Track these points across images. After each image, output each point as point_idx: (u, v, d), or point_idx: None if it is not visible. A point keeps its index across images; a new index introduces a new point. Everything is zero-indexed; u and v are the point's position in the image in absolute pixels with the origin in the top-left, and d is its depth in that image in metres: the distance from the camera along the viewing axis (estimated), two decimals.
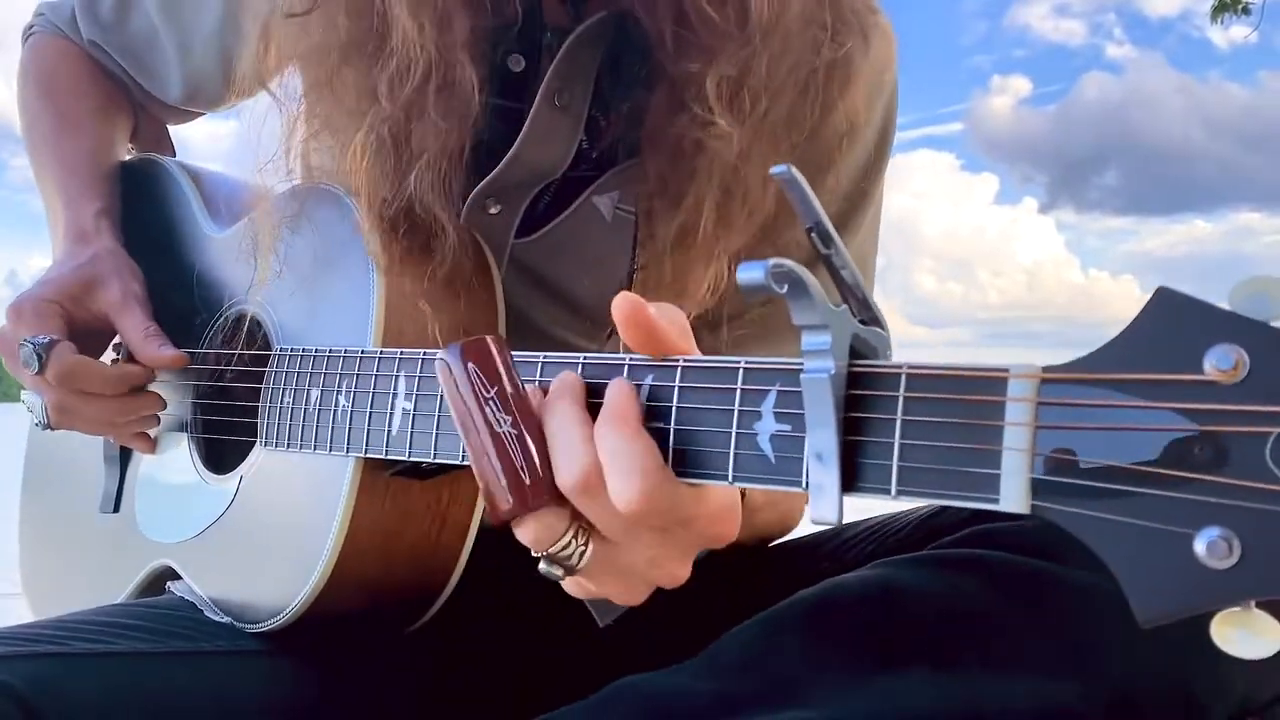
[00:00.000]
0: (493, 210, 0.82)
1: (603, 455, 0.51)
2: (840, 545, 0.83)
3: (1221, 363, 0.38)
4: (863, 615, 0.66)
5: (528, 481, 0.53)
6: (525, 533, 0.55)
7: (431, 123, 0.73)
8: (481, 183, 0.81)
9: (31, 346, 0.84)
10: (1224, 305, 0.39)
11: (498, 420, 0.54)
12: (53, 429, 0.90)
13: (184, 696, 0.75)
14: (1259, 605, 0.38)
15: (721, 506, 0.54)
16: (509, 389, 0.55)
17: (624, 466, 0.50)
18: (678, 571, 0.56)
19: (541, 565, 0.56)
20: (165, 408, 0.91)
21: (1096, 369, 0.40)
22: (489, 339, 0.56)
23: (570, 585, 0.58)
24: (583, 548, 0.55)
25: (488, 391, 0.54)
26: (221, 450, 0.89)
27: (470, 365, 0.55)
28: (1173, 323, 0.39)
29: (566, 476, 0.52)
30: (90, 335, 0.90)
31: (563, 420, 0.53)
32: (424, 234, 0.75)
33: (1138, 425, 0.39)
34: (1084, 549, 0.40)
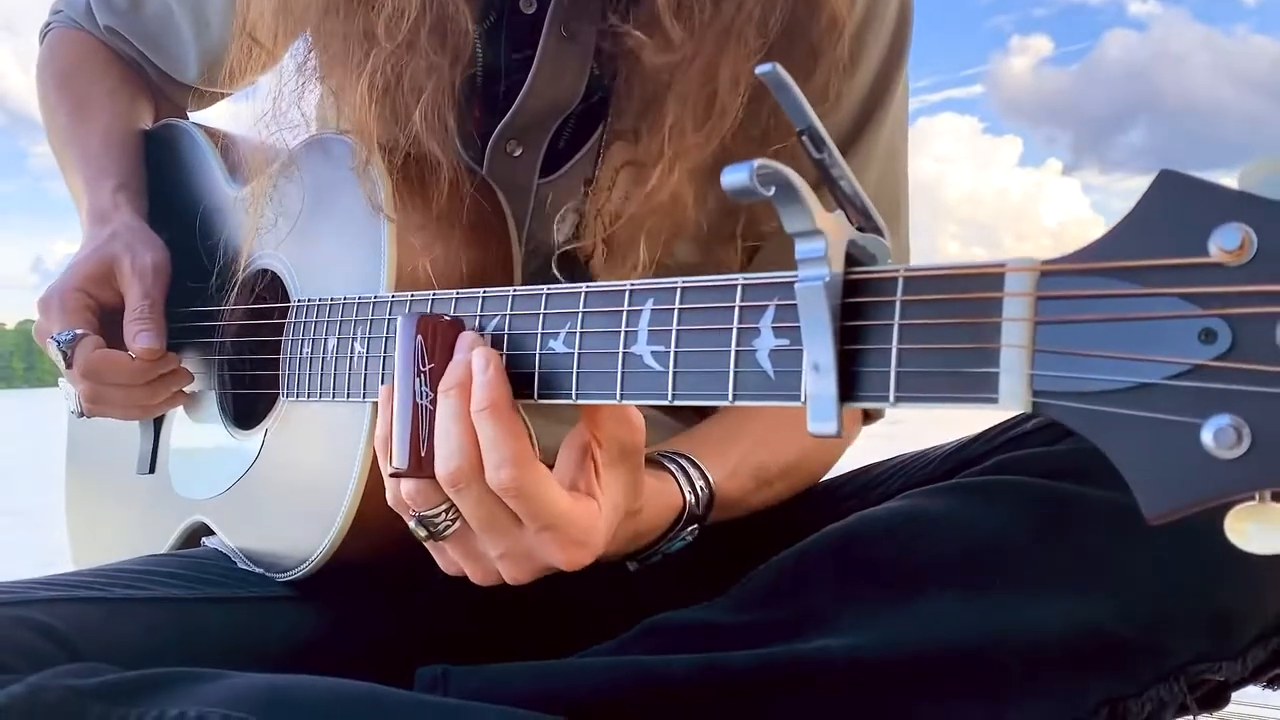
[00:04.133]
0: (515, 153, 0.82)
1: (481, 441, 0.58)
2: (866, 483, 0.82)
3: (1227, 243, 0.36)
4: (890, 545, 0.66)
5: (423, 453, 0.60)
6: (406, 491, 0.62)
7: (426, 59, 0.73)
8: (499, 125, 0.81)
9: (56, 344, 0.87)
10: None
11: (421, 393, 0.60)
12: (87, 416, 0.91)
13: (218, 639, 0.77)
14: (1275, 497, 0.36)
15: (582, 530, 0.60)
16: (442, 370, 0.60)
17: (501, 456, 0.57)
18: (518, 575, 0.63)
19: (411, 523, 0.63)
20: (193, 380, 0.92)
21: (1097, 258, 0.39)
22: (445, 319, 0.62)
23: (434, 551, 0.65)
24: (450, 522, 0.62)
25: (423, 366, 0.60)
26: (249, 405, 0.90)
27: (419, 338, 0.60)
28: (1176, 205, 0.37)
29: (440, 467, 0.59)
30: (121, 316, 0.91)
31: (446, 414, 0.59)
32: (425, 174, 0.75)
33: (1141, 314, 0.37)
34: (1110, 472, 0.39)
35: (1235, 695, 0.62)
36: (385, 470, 0.62)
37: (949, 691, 0.61)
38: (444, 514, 0.62)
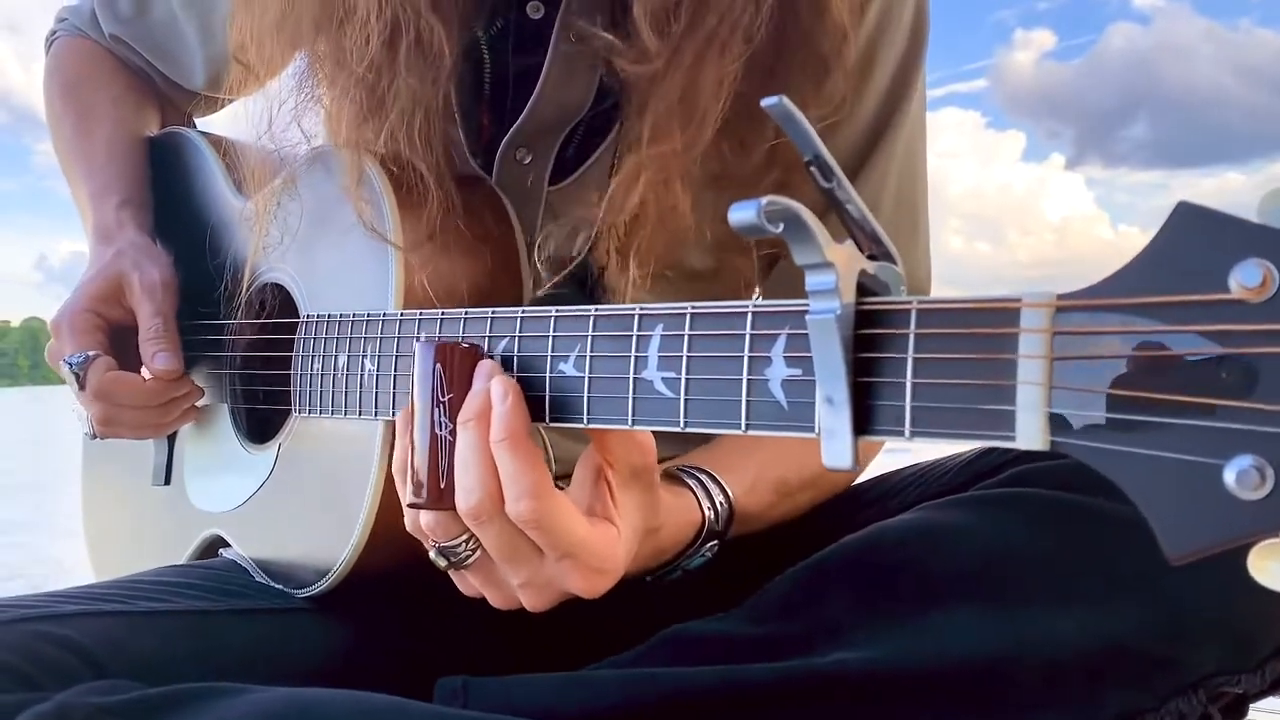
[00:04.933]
0: (525, 160, 0.82)
1: (501, 473, 0.57)
2: (883, 493, 0.81)
3: (1248, 279, 0.35)
4: (906, 558, 0.66)
5: (442, 485, 0.59)
6: (426, 522, 0.62)
7: (403, 81, 0.73)
8: (509, 132, 0.80)
9: (69, 366, 0.87)
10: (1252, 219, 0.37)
11: (440, 423, 0.59)
12: (100, 439, 0.92)
13: (239, 652, 0.77)
14: None
15: (600, 557, 0.60)
16: (461, 399, 0.59)
17: (520, 489, 0.57)
18: (538, 603, 0.63)
19: (432, 553, 0.63)
20: (204, 395, 0.92)
21: (1115, 294, 0.38)
22: (463, 347, 0.61)
23: (455, 578, 0.66)
24: (471, 552, 0.62)
25: (443, 395, 0.59)
26: (262, 418, 0.90)
27: (437, 366, 0.59)
28: (1195, 239, 0.37)
29: (461, 501, 0.59)
30: (132, 334, 0.91)
31: (467, 448, 0.58)
32: (423, 189, 0.75)
33: (1160, 351, 0.37)
34: None
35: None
36: (404, 498, 0.62)
37: (965, 705, 0.60)
38: (464, 544, 0.62)
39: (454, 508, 0.59)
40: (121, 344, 0.90)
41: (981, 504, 0.65)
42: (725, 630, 0.69)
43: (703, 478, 0.74)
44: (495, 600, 0.65)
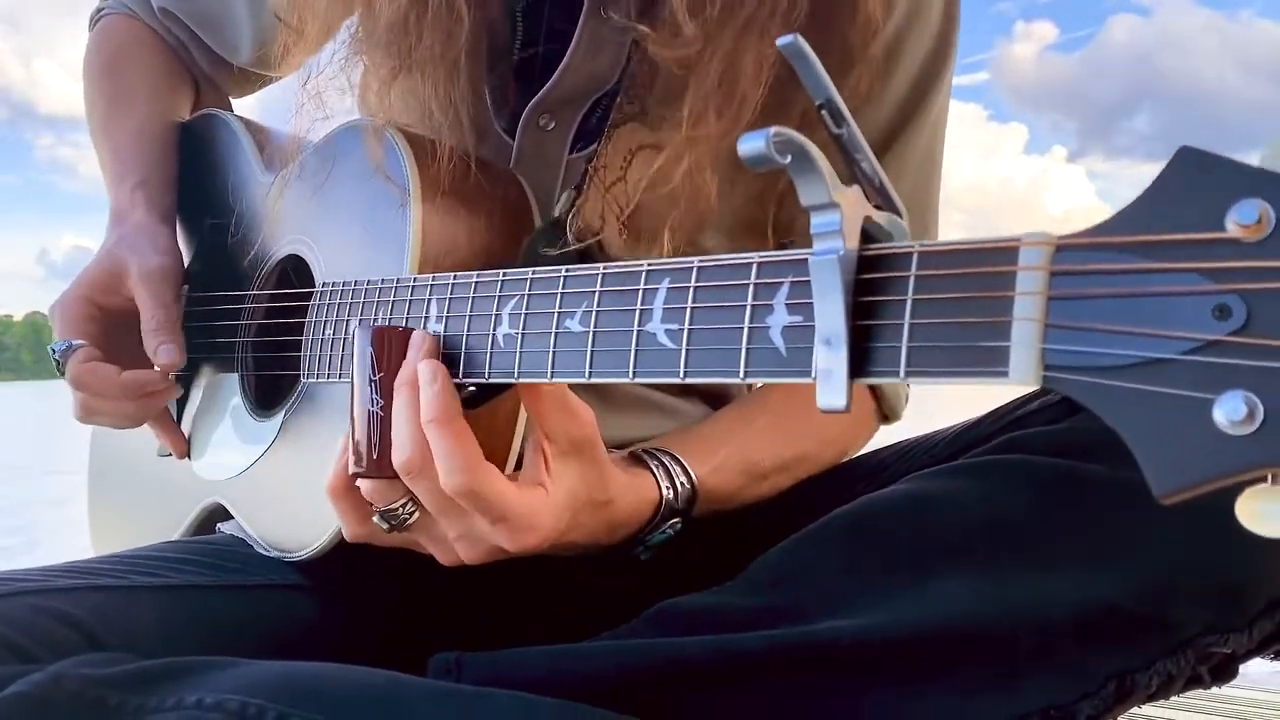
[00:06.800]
0: (548, 126, 0.83)
1: (432, 449, 0.62)
2: (871, 468, 0.81)
3: (1244, 218, 0.35)
4: (898, 526, 0.66)
5: (375, 456, 0.64)
6: (365, 490, 0.67)
7: (427, 42, 0.76)
8: (534, 98, 0.82)
9: (52, 352, 0.88)
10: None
11: (372, 400, 0.64)
12: (81, 423, 0.93)
13: (237, 627, 0.78)
14: None
15: (527, 518, 0.64)
16: (391, 378, 0.65)
17: (451, 465, 0.61)
18: (473, 556, 0.67)
19: (375, 516, 0.67)
20: (182, 395, 0.93)
21: (1112, 233, 0.38)
22: (397, 330, 0.66)
23: (396, 537, 0.69)
24: (409, 515, 0.67)
25: (374, 374, 0.64)
26: (271, 390, 0.90)
27: (370, 348, 0.65)
28: (1194, 181, 0.37)
29: (395, 458, 0.63)
30: (130, 319, 0.91)
31: (399, 411, 0.63)
32: (445, 158, 0.76)
33: (1156, 289, 0.37)
34: (1115, 448, 0.38)
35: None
36: (349, 469, 0.66)
37: (959, 669, 0.60)
38: (403, 507, 0.66)
39: (390, 475, 0.64)
40: (122, 331, 0.90)
41: (971, 471, 0.65)
42: (718, 603, 0.69)
43: (664, 459, 0.76)
44: (440, 556, 0.69)
